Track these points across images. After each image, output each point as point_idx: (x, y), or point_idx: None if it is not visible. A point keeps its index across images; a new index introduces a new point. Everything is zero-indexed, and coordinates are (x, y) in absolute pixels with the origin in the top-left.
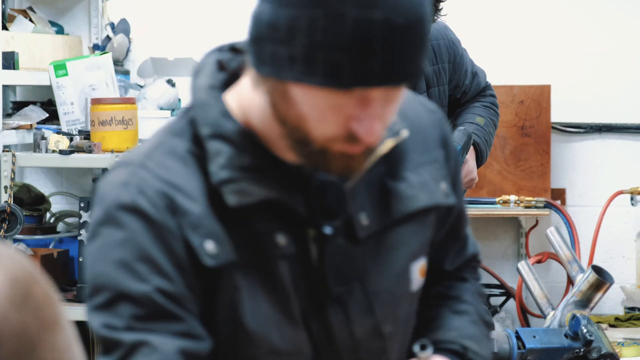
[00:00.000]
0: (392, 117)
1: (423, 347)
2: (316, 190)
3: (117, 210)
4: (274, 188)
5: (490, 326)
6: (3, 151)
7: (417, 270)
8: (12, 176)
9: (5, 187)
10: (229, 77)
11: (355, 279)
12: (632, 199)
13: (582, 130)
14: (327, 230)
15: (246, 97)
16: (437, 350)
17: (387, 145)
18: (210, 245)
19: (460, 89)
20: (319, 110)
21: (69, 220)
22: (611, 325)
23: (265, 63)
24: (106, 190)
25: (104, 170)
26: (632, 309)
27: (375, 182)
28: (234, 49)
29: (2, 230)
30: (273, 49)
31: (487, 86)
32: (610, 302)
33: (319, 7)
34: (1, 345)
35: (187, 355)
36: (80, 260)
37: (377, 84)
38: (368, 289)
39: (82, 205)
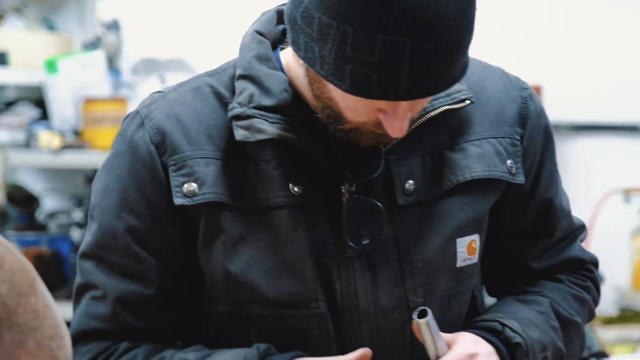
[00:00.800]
0: (418, 112)
1: (422, 314)
2: (347, 146)
3: (119, 137)
4: (294, 132)
5: (573, 325)
6: None
7: (465, 246)
8: (4, 175)
9: None
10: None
11: (389, 244)
12: (625, 198)
13: (574, 129)
14: (350, 186)
15: (292, 56)
16: (473, 327)
17: (436, 110)
18: (190, 186)
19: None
20: (349, 102)
21: (60, 219)
22: (604, 324)
23: (300, 49)
24: (129, 114)
25: (96, 169)
26: (626, 308)
27: (432, 152)
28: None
29: None
30: (307, 41)
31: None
32: (604, 301)
33: (351, 24)
34: None
35: (124, 297)
36: (72, 261)
37: (403, 98)
38: (403, 257)
39: (74, 204)
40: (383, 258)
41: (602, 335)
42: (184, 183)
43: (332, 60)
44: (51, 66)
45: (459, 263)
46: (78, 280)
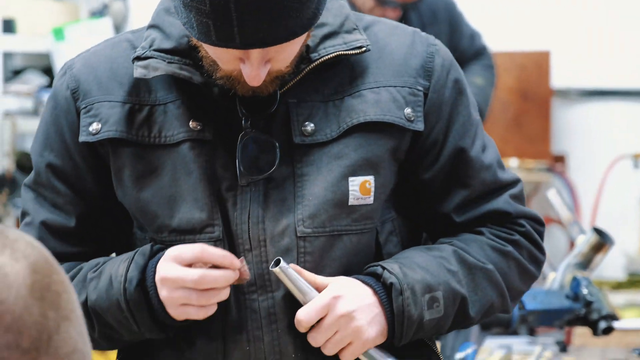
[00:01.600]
0: (285, 63)
1: (277, 263)
2: (241, 90)
3: (52, 89)
4: (189, 71)
5: (481, 271)
6: (4, 118)
7: (357, 185)
8: (12, 143)
9: (5, 153)
10: None
11: (286, 180)
12: (634, 163)
13: (582, 95)
14: (247, 122)
15: None
16: (359, 273)
17: (330, 55)
18: (95, 126)
19: (457, 51)
20: (213, 50)
21: None
22: (613, 289)
23: None
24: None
25: None
26: (634, 273)
27: (334, 98)
28: None
29: (3, 196)
30: None
31: (484, 48)
32: (612, 267)
33: None
34: (23, 335)
35: (49, 225)
36: None
37: (240, 47)
38: (297, 191)
39: None
40: (278, 191)
41: (611, 300)
42: (90, 123)
43: (182, 9)
44: (58, 34)
45: (351, 201)
46: (22, 205)
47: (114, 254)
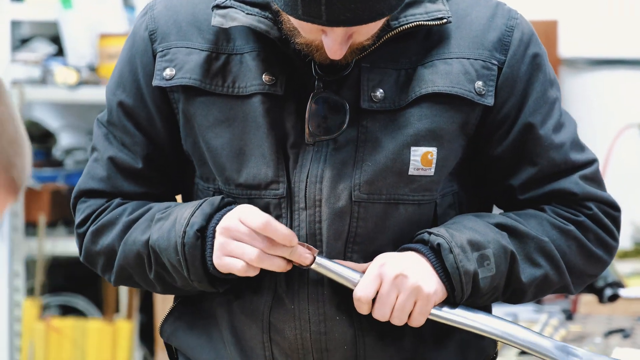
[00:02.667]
0: (367, 37)
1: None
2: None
3: (132, 27)
4: (267, 25)
5: (533, 241)
6: (12, 87)
7: (419, 156)
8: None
9: None
10: None
11: (350, 144)
12: None
13: (590, 64)
14: (320, 81)
15: None
16: (410, 242)
17: (410, 24)
18: (169, 71)
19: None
20: (295, 20)
21: (77, 155)
22: (619, 258)
23: None
24: None
25: None
26: None
27: (408, 67)
28: None
29: None
30: None
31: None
32: (620, 237)
33: None
34: None
35: (117, 163)
36: None
37: (326, 24)
38: (358, 156)
39: (90, 139)
40: (339, 154)
41: (618, 269)
42: (165, 68)
43: None
44: (66, 2)
45: (411, 171)
46: (92, 141)
47: (179, 200)
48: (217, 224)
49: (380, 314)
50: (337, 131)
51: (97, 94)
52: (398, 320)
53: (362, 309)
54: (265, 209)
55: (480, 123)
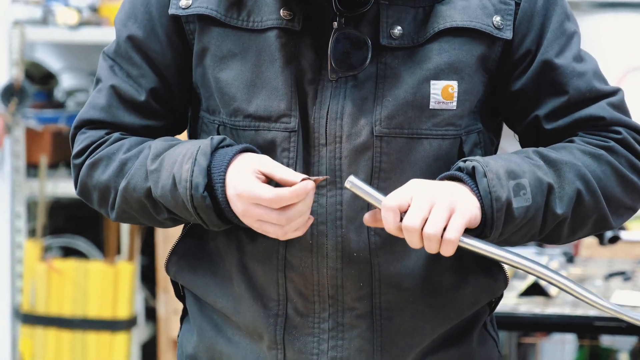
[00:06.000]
0: None
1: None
2: None
3: None
4: None
5: (567, 165)
6: (13, 27)
7: (439, 89)
8: (21, 52)
9: (14, 62)
10: None
11: (369, 80)
12: None
13: (594, 6)
14: (341, 18)
15: None
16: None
17: None
18: (186, 1)
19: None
20: None
21: (78, 96)
22: None
23: None
24: None
25: None
26: None
27: (425, 4)
28: None
29: (12, 105)
30: None
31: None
32: None
33: None
34: None
35: (119, 92)
36: None
37: None
38: (378, 92)
39: (92, 81)
40: (358, 90)
41: None
42: None
43: None
44: None
45: (432, 104)
46: (96, 74)
47: (179, 137)
48: (222, 180)
49: (411, 222)
50: (360, 67)
51: (99, 35)
52: (429, 236)
53: (389, 219)
54: (272, 142)
55: (501, 59)
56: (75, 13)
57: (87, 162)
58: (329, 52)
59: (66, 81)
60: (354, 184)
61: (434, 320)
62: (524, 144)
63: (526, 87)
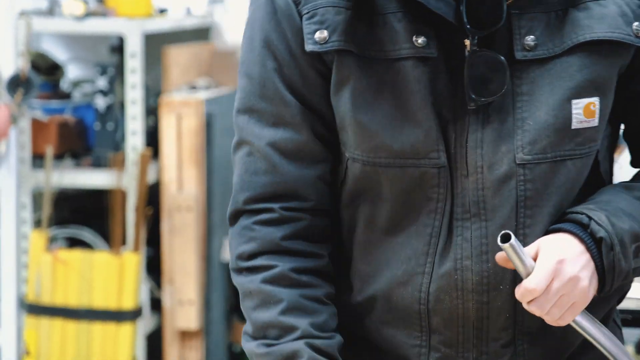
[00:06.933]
0: None
1: (505, 238)
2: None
3: None
4: None
5: None
6: (19, 17)
7: (581, 108)
8: (27, 43)
9: (20, 52)
10: None
11: (505, 100)
12: None
13: None
14: (473, 39)
15: None
16: (561, 221)
17: None
18: (322, 34)
19: None
20: None
21: (84, 87)
22: None
23: None
24: None
25: (120, 36)
26: None
27: (557, 8)
28: None
29: (18, 96)
30: None
31: None
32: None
33: None
34: None
35: (279, 146)
36: (96, 129)
37: None
38: (517, 113)
39: (97, 72)
40: (496, 113)
41: None
42: (316, 30)
43: None
44: None
45: (575, 125)
46: (234, 139)
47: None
48: None
49: (540, 308)
50: (499, 91)
51: (105, 26)
52: (551, 318)
53: (526, 298)
54: (420, 178)
55: (631, 62)
56: (81, 4)
57: (243, 287)
58: (465, 79)
59: (72, 72)
60: (514, 246)
61: (574, 331)
62: (633, 152)
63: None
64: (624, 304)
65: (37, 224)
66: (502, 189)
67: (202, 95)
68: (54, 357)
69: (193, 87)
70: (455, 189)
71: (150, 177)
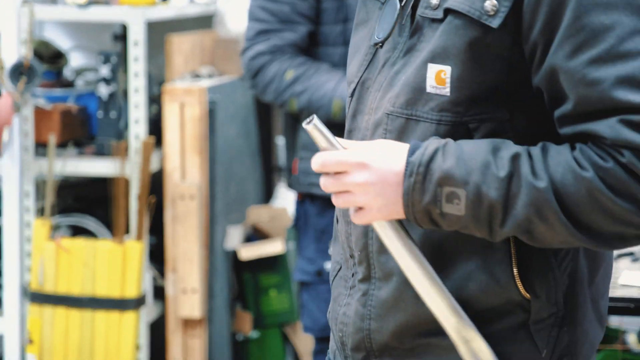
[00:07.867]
0: None
1: (311, 121)
2: None
3: None
4: None
5: (521, 180)
6: (22, 5)
7: (433, 73)
8: (30, 31)
9: (23, 40)
10: None
11: (404, 51)
12: None
13: None
14: None
15: None
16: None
17: None
18: None
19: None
20: None
21: (87, 75)
22: None
23: None
24: None
25: (124, 25)
26: None
27: None
28: None
29: (21, 84)
30: None
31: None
32: None
33: None
34: None
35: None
36: (99, 117)
37: None
38: (401, 65)
39: (100, 60)
40: (393, 64)
41: None
42: None
43: None
44: None
45: (429, 89)
46: None
47: None
48: None
49: (325, 185)
50: (389, 35)
51: (107, 14)
52: (335, 203)
53: (314, 164)
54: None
55: (517, 49)
56: None
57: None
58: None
59: (75, 60)
60: (316, 126)
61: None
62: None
63: (541, 85)
64: (625, 292)
65: (40, 212)
66: (375, 133)
67: (205, 83)
68: (57, 345)
69: (196, 75)
70: (353, 124)
71: (153, 166)
